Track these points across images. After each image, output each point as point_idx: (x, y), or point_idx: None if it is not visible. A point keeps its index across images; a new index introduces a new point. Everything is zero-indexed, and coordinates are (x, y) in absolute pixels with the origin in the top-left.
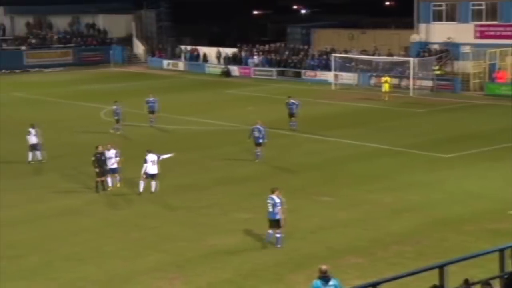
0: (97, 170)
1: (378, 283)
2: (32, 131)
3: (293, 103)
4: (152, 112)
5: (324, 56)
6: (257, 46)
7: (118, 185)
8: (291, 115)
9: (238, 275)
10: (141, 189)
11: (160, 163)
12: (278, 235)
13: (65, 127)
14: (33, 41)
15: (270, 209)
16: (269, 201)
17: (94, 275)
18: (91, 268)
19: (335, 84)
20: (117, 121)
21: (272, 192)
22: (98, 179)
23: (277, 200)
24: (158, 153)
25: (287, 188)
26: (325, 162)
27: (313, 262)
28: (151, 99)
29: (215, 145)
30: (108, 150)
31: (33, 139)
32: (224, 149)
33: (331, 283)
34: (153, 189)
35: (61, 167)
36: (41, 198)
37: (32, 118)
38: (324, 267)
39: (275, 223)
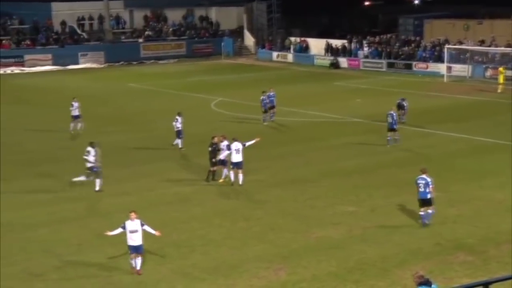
0: (213, 160)
1: (490, 283)
2: (179, 118)
3: (403, 103)
4: (271, 107)
5: (437, 48)
6: (367, 37)
7: (221, 180)
8: (400, 107)
9: (343, 268)
10: (233, 179)
11: (258, 154)
12: (430, 211)
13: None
14: (150, 33)
15: (422, 189)
16: (420, 181)
17: (201, 263)
18: (199, 255)
19: (448, 76)
20: (265, 111)
21: (423, 173)
22: (211, 169)
23: (429, 179)
24: (243, 141)
25: (395, 182)
26: (435, 156)
27: (421, 258)
28: (271, 93)
29: (322, 137)
30: (221, 141)
31: (178, 126)
32: (330, 142)
33: (434, 286)
34: (240, 181)
35: (173, 156)
36: (153, 186)
37: (145, 108)
38: (420, 272)
39: (426, 202)
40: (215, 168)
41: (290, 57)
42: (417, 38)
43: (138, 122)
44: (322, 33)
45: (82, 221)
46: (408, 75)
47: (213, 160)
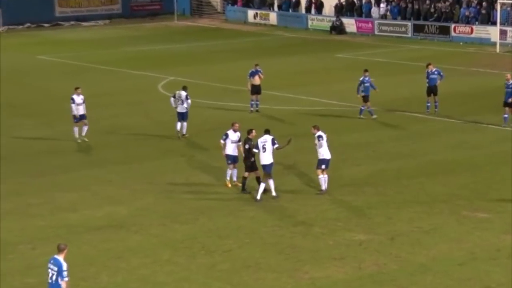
0: (248, 163)
1: None
2: (182, 94)
3: (437, 72)
4: (256, 91)
5: (484, 3)
6: None
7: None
8: (431, 91)
9: None
10: (228, 176)
11: None
12: None
13: (109, 104)
14: None
15: None
16: None
17: None
18: None
19: (501, 45)
20: (365, 98)
21: None
22: (245, 175)
23: None
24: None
25: (424, 197)
26: (480, 160)
27: None
28: (366, 77)
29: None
30: (235, 131)
31: (181, 107)
32: (331, 140)
33: None
34: (273, 192)
35: (103, 160)
36: (74, 204)
37: (62, 92)
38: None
39: None
40: (249, 173)
41: (273, 17)
42: None
43: (52, 112)
44: None
45: None
46: (443, 43)
47: (248, 162)
